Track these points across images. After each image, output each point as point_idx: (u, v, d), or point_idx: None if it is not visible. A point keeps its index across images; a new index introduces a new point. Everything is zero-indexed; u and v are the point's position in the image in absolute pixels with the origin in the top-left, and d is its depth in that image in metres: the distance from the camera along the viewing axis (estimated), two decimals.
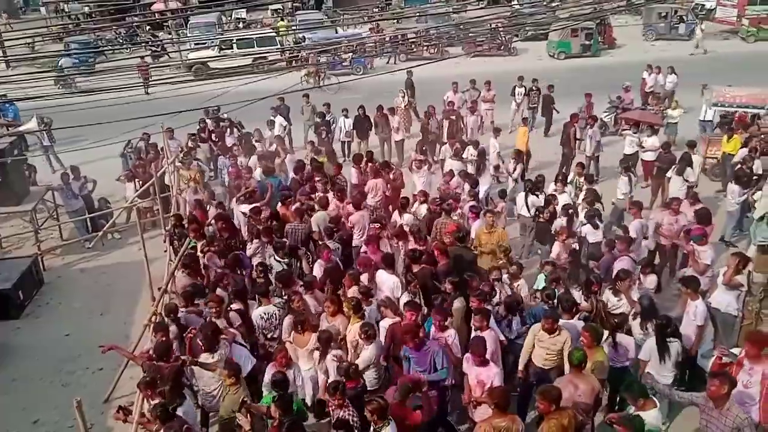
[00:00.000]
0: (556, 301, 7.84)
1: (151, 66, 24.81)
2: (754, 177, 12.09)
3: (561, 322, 7.33)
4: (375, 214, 11.02)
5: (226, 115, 16.24)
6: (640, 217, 10.32)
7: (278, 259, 9.30)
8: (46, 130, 16.77)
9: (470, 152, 13.49)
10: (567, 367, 6.95)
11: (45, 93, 13.01)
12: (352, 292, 8.18)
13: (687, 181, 12.16)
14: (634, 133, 14.41)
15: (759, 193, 11.15)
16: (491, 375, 6.66)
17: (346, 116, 16.46)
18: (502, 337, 7.59)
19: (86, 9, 39.54)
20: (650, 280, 8.76)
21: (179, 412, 6.26)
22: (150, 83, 21.36)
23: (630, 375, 7.44)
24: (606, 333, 7.40)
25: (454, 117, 16.31)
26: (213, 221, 10.59)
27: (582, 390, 6.35)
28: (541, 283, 8.83)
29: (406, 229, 9.87)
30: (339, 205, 10.97)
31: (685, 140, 14.26)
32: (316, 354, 7.31)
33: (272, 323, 8.02)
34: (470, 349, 6.85)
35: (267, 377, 7.07)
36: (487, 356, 6.99)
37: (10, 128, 17.47)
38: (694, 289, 7.88)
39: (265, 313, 8.01)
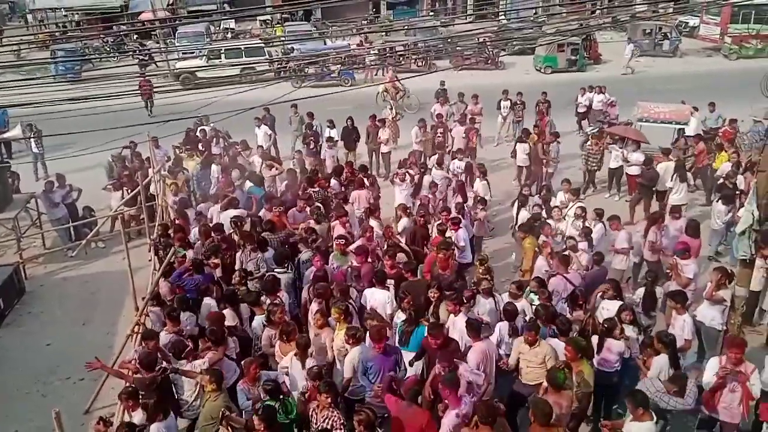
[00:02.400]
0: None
1: (146, 75, 24.61)
2: (737, 192, 12.21)
3: (555, 341, 7.36)
4: (361, 225, 10.99)
5: (212, 125, 16.19)
6: (621, 228, 10.38)
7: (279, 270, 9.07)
8: (32, 137, 16.61)
9: (456, 165, 13.52)
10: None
11: (33, 100, 12.84)
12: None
13: (690, 184, 12.24)
14: (619, 147, 14.55)
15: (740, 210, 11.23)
16: (447, 422, 6.21)
17: (331, 127, 16.46)
18: (502, 351, 7.59)
19: (75, 17, 39.38)
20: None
21: (162, 427, 6.16)
22: (137, 93, 21.22)
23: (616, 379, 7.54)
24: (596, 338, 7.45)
25: (441, 129, 16.37)
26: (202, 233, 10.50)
27: (565, 406, 6.42)
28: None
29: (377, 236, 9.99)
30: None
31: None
32: (295, 360, 7.09)
33: None
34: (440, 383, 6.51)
35: (241, 394, 6.79)
36: (474, 369, 7.00)
37: None
38: (682, 303, 7.95)
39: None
